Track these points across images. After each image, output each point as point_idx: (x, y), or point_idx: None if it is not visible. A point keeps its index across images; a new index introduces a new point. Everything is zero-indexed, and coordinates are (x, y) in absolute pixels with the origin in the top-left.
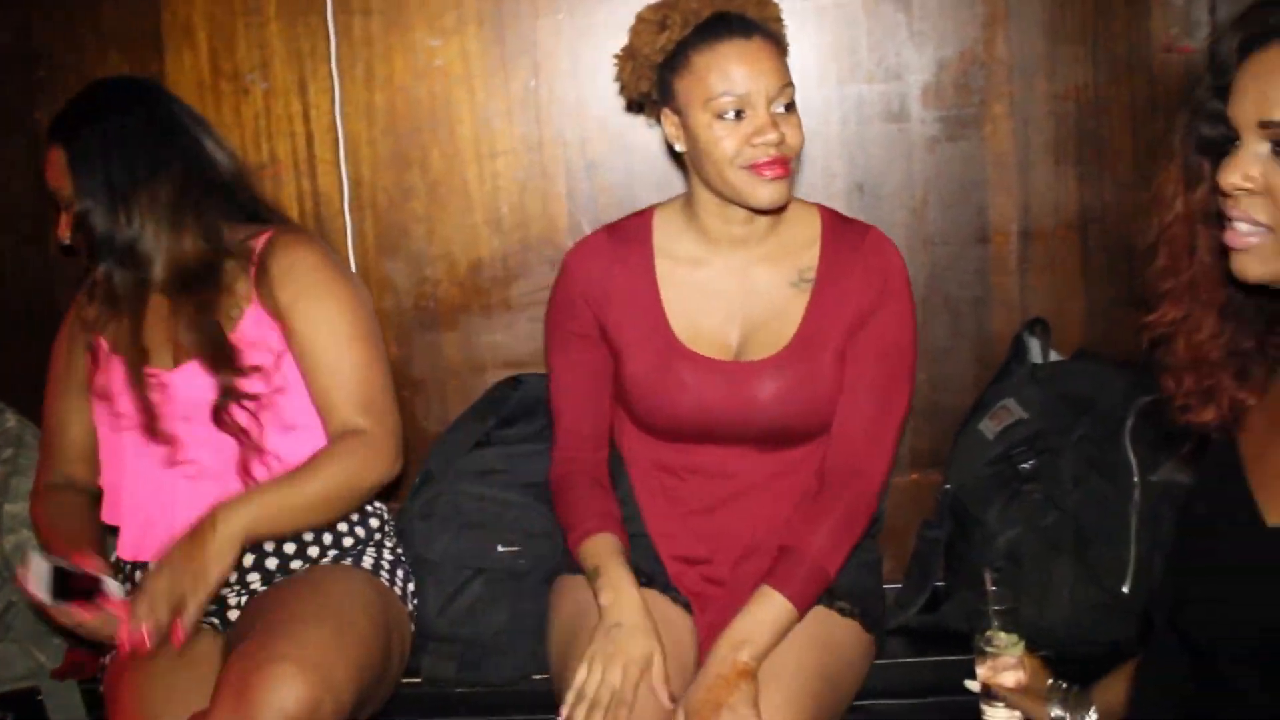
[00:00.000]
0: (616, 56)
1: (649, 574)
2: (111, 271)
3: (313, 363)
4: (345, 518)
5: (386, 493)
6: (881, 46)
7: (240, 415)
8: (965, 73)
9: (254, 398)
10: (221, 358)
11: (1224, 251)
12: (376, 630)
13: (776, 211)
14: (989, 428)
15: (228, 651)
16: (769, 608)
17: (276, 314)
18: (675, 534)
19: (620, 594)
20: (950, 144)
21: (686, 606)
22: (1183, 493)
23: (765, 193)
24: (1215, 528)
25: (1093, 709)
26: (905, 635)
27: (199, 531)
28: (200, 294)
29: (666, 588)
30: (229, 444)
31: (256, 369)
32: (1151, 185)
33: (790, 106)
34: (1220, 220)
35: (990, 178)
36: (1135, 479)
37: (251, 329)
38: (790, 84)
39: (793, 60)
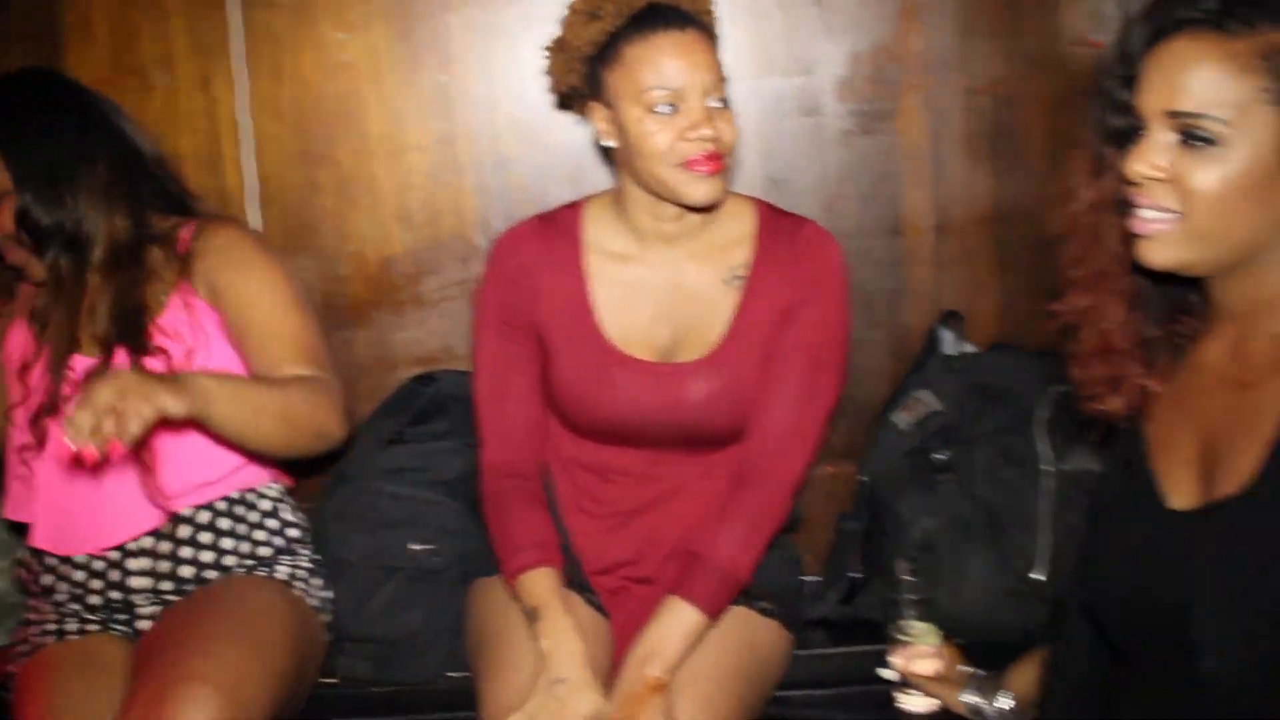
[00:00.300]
0: (546, 48)
1: (567, 574)
2: (58, 259)
3: (258, 331)
4: (261, 526)
5: (299, 495)
6: (795, 40)
7: None
8: (879, 67)
9: None
10: (138, 341)
11: (1131, 240)
12: (291, 646)
13: (710, 209)
14: (903, 419)
15: (137, 661)
16: (677, 618)
17: (213, 298)
18: (599, 535)
19: (562, 644)
20: (864, 137)
21: (600, 608)
22: (1093, 480)
23: (699, 190)
24: (1122, 512)
25: (1006, 693)
26: (823, 626)
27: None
28: (126, 278)
29: (583, 589)
30: None
31: (167, 354)
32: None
33: (724, 102)
34: (1127, 208)
35: (904, 171)
36: (1047, 468)
37: (173, 318)
38: (724, 79)
39: None
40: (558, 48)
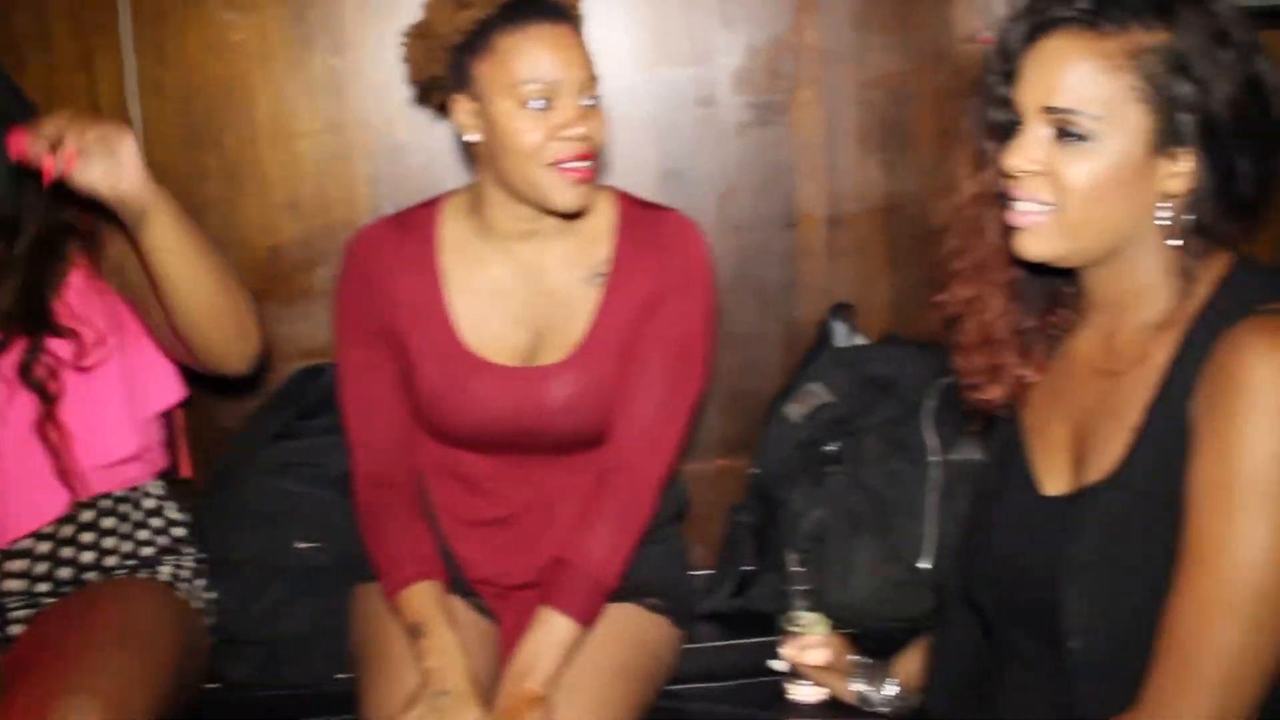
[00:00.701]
0: (405, 35)
1: (450, 579)
2: None
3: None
4: (144, 525)
5: (182, 491)
6: (692, 31)
7: (43, 371)
8: (775, 59)
9: (61, 361)
10: (39, 319)
11: (1010, 232)
12: (174, 651)
13: (576, 216)
14: (795, 411)
15: (6, 671)
16: (549, 630)
17: (122, 285)
18: (476, 543)
19: (446, 659)
20: (759, 129)
21: (486, 611)
22: (977, 469)
23: (567, 197)
24: (1000, 499)
25: (892, 680)
26: (714, 620)
27: None
28: (41, 263)
29: (467, 594)
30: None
31: (77, 336)
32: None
33: (596, 100)
34: (1006, 201)
35: (799, 163)
36: (934, 458)
37: (77, 301)
38: (595, 76)
39: (603, 43)
40: (420, 34)
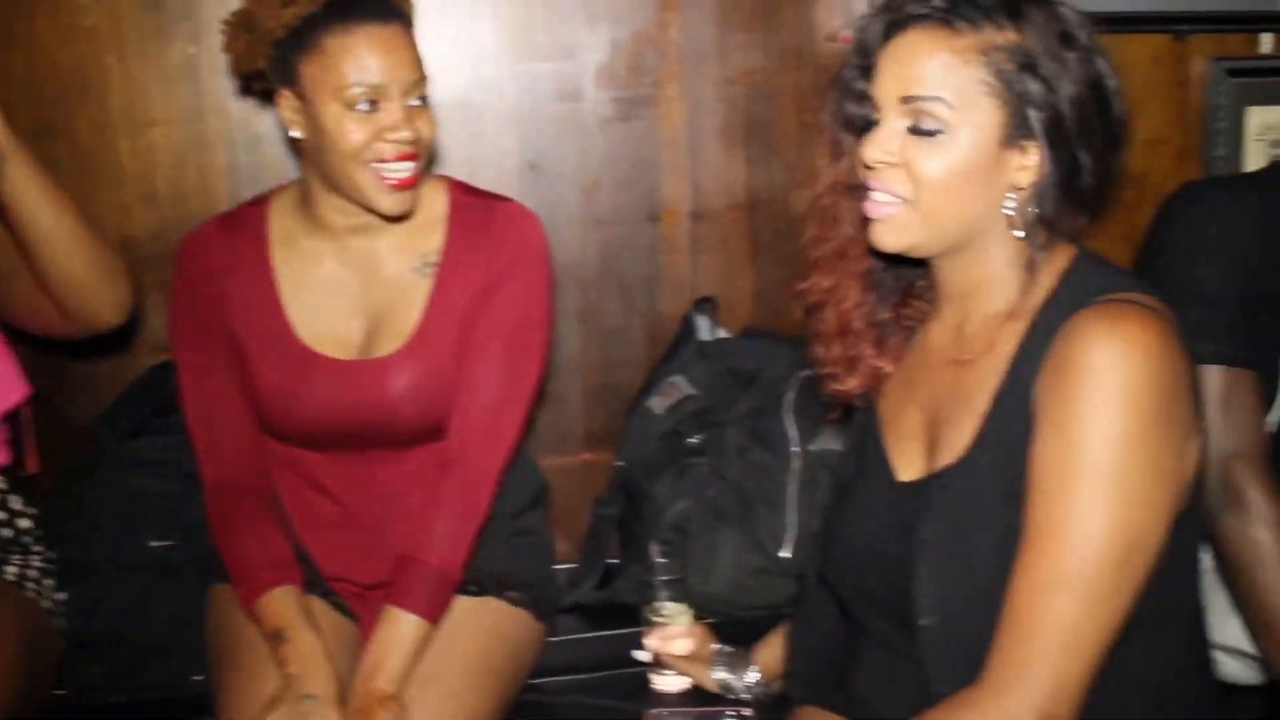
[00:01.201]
0: (226, 23)
1: (308, 581)
2: None
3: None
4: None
5: (31, 489)
6: (556, 25)
7: None
8: (639, 54)
9: None
10: None
11: (866, 223)
12: (22, 656)
13: (400, 219)
14: (658, 404)
15: None
16: (397, 629)
17: None
18: (329, 543)
19: (309, 664)
20: (623, 124)
21: (347, 613)
22: (836, 459)
23: (389, 202)
24: (857, 486)
25: (754, 668)
26: (579, 612)
27: None
28: None
29: (325, 593)
30: None
31: None
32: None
33: (424, 100)
34: (862, 193)
35: (662, 158)
36: (795, 449)
37: None
38: (425, 77)
39: (467, 37)
40: (242, 26)
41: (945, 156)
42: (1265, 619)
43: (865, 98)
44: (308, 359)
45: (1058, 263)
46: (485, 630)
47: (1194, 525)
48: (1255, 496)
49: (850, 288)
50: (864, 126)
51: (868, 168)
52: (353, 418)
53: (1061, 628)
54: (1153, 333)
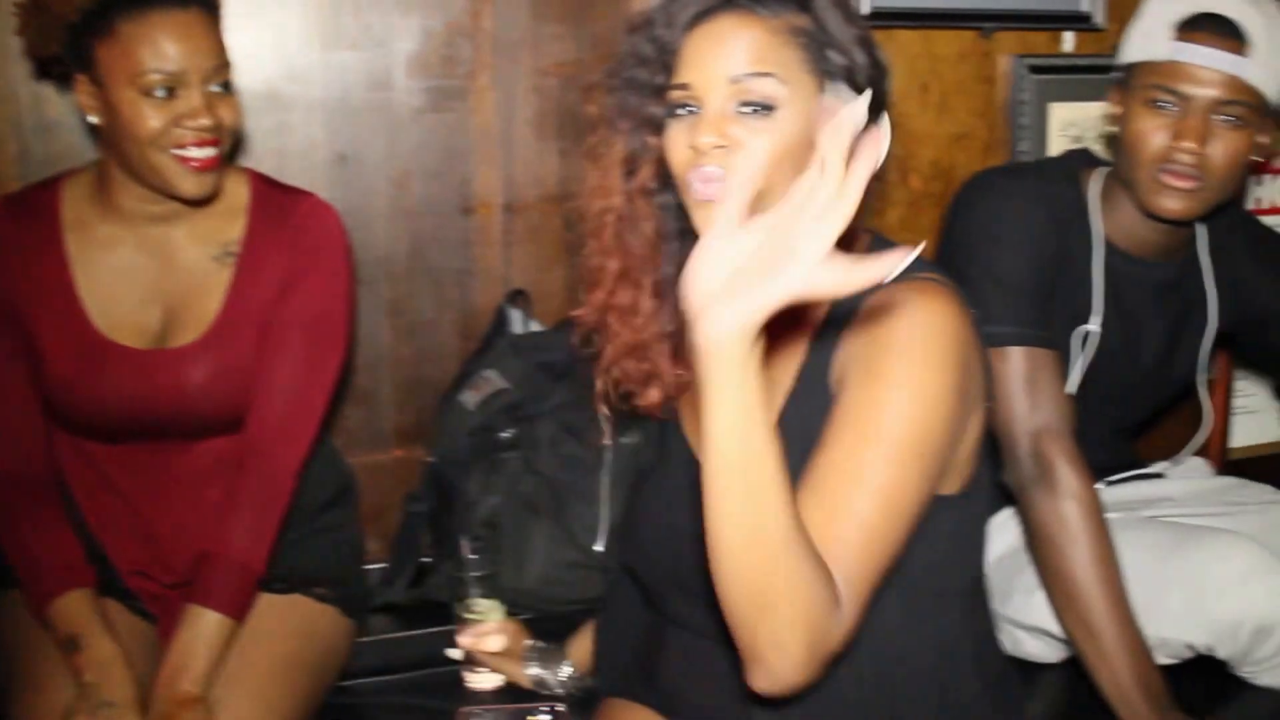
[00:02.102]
0: (17, 5)
1: (104, 582)
2: None
3: None
4: None
5: None
6: (367, 12)
7: None
8: (451, 44)
9: None
10: None
11: (660, 234)
12: None
13: (202, 202)
14: (470, 398)
15: None
16: (199, 628)
17: None
18: (124, 539)
19: (106, 670)
20: (435, 115)
21: (148, 616)
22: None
23: (190, 185)
24: (659, 471)
25: (567, 663)
26: (391, 612)
27: None
28: None
29: (123, 596)
30: None
31: None
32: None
33: (227, 86)
34: (668, 193)
35: (474, 150)
36: (607, 441)
37: None
38: (227, 63)
39: (274, 25)
40: (34, 9)
41: (774, 134)
42: (1070, 591)
43: (662, 93)
44: (101, 347)
45: (855, 246)
46: (292, 629)
47: (983, 502)
48: (1064, 472)
49: (641, 301)
50: (659, 126)
51: (697, 153)
52: (148, 408)
53: (863, 564)
54: (954, 306)
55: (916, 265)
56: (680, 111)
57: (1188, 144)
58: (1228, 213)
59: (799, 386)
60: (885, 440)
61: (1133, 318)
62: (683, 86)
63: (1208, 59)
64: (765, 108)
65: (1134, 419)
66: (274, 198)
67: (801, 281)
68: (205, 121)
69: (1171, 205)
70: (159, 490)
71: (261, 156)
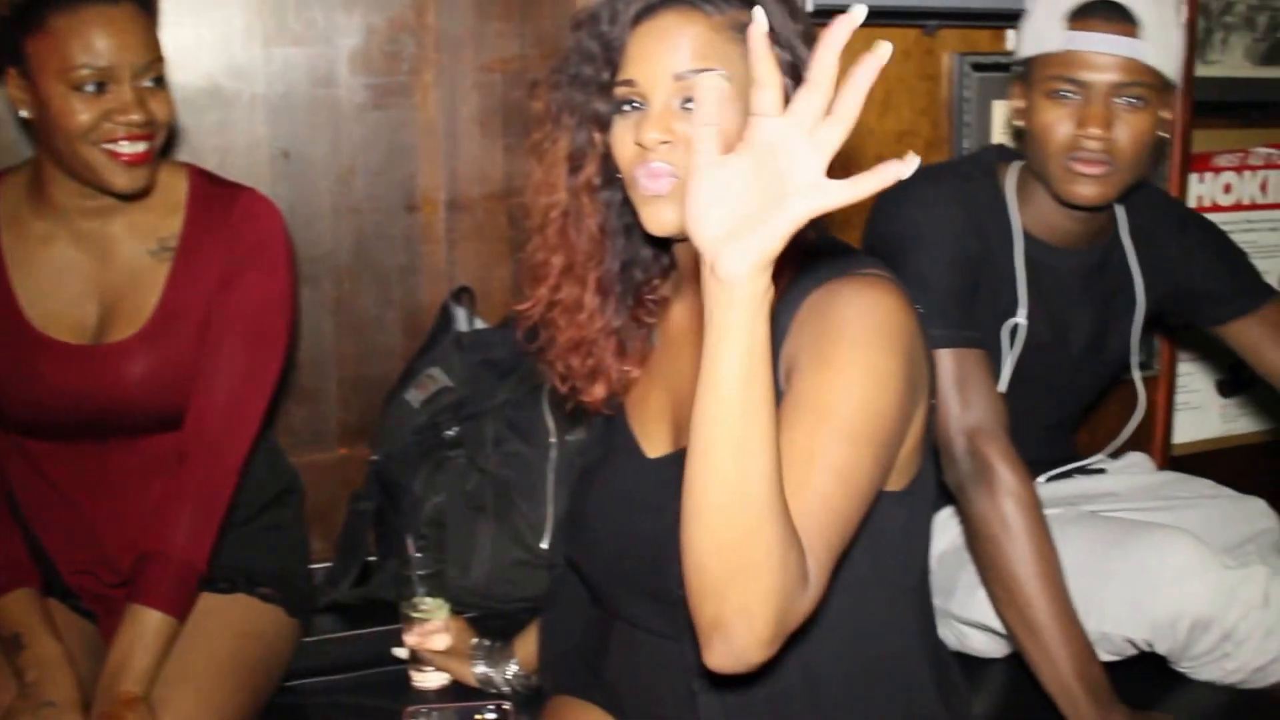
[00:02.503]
0: None
1: (45, 581)
2: None
3: None
4: None
5: None
6: (310, 9)
7: None
8: (396, 39)
9: None
10: None
11: (605, 230)
12: None
13: (135, 197)
14: (415, 396)
15: None
16: (141, 627)
17: None
18: (65, 538)
19: (48, 670)
20: (379, 112)
21: (89, 615)
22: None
23: (121, 179)
24: (604, 468)
25: (514, 661)
26: (337, 611)
27: None
28: None
29: (65, 596)
30: None
31: None
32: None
33: (159, 81)
34: (613, 188)
35: (419, 147)
36: (553, 439)
37: None
38: (160, 58)
39: (217, 20)
40: None
41: (728, 126)
42: (1010, 588)
43: (608, 89)
44: (38, 344)
45: (804, 238)
46: (236, 628)
47: (928, 499)
48: (1001, 470)
49: (586, 296)
50: (605, 123)
51: (642, 149)
52: (85, 405)
53: (827, 542)
54: (900, 300)
55: (861, 262)
56: (626, 108)
57: (1093, 130)
58: (1145, 194)
59: None
60: (841, 421)
61: (1059, 307)
62: (628, 83)
63: (1102, 44)
64: None
65: (1070, 409)
66: (213, 192)
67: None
68: (135, 117)
69: (1085, 192)
70: (100, 489)
71: (204, 153)
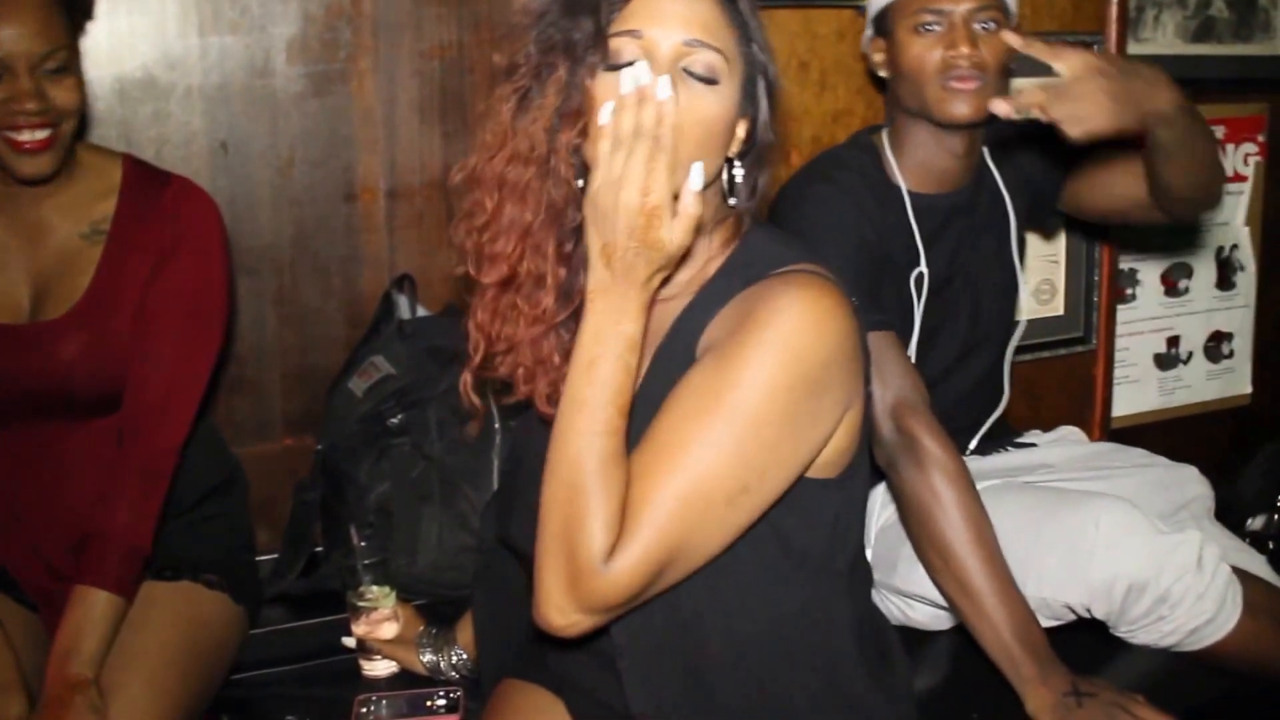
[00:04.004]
0: None
1: None
2: None
3: None
4: None
5: None
6: None
7: None
8: (332, 27)
9: None
10: None
11: (574, 195)
12: None
13: (40, 182)
14: (358, 385)
15: None
16: (89, 608)
17: None
18: (3, 527)
19: None
20: (317, 100)
21: (32, 606)
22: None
23: (26, 166)
24: (531, 446)
25: (456, 647)
26: (284, 602)
27: None
28: None
29: (6, 586)
30: None
31: None
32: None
33: (63, 69)
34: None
35: (357, 135)
36: (497, 425)
37: None
38: (63, 46)
39: (150, 9)
40: None
41: (712, 105)
42: (944, 554)
43: (601, 40)
44: None
45: (737, 229)
46: (183, 616)
47: (862, 485)
48: (926, 442)
49: (548, 268)
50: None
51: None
52: (19, 384)
53: (659, 529)
54: (829, 303)
55: (796, 253)
56: (620, 64)
57: (963, 49)
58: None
59: (654, 365)
60: (723, 419)
61: (954, 248)
62: (633, 34)
63: None
64: (708, 80)
65: (992, 352)
66: (145, 178)
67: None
68: (30, 106)
69: (963, 108)
70: (36, 477)
71: (141, 145)
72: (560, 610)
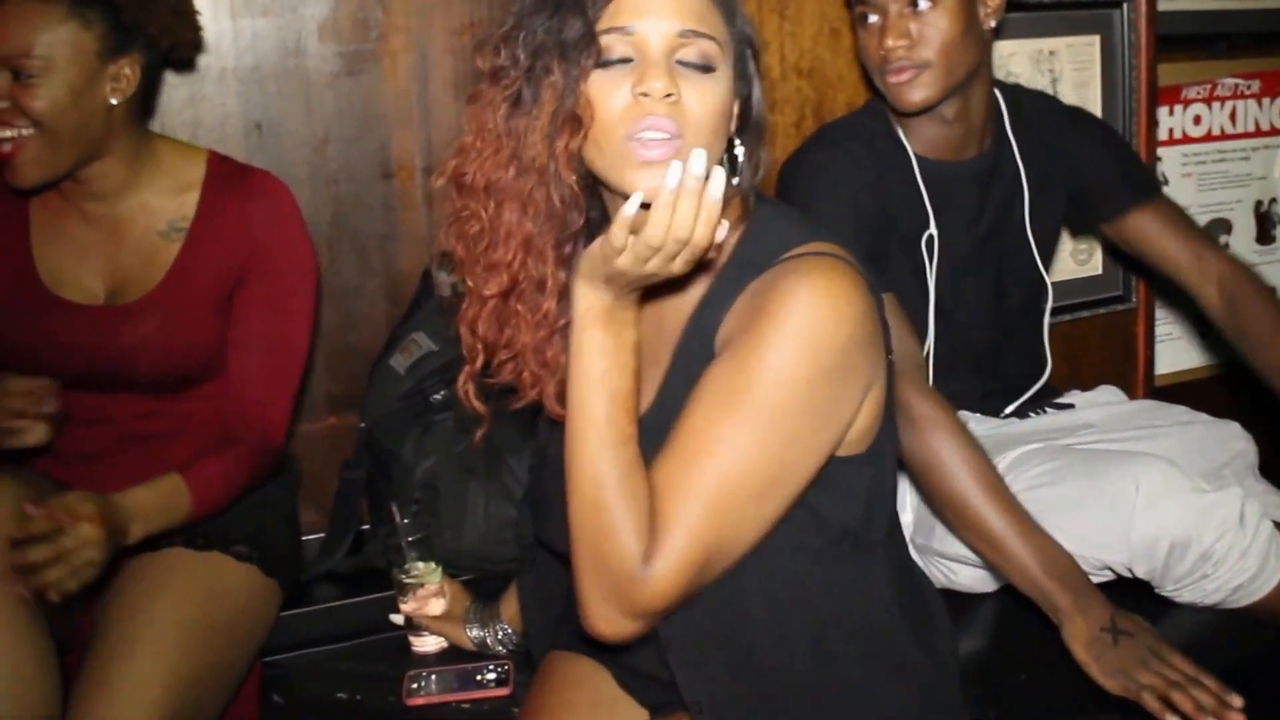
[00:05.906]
0: None
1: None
2: None
3: None
4: None
5: None
6: None
7: None
8: (363, 7)
9: None
10: None
11: (573, 200)
12: None
13: (27, 193)
14: (400, 362)
15: None
16: (162, 486)
17: None
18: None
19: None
20: (350, 79)
21: None
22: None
23: (6, 172)
24: (550, 446)
25: (501, 621)
26: (333, 580)
27: None
28: None
29: None
30: None
31: None
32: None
33: (36, 72)
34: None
35: (391, 113)
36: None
37: None
38: (29, 52)
39: None
40: None
41: (715, 92)
42: (960, 510)
43: (589, 40)
44: (46, 300)
45: (745, 209)
46: (202, 585)
47: (891, 453)
48: (919, 404)
49: (549, 272)
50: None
51: (645, 97)
52: (87, 360)
53: (692, 533)
54: (843, 284)
55: (808, 232)
56: (612, 61)
57: (889, 41)
58: (1033, 98)
59: (676, 362)
60: (745, 417)
61: (965, 215)
62: (623, 30)
63: None
64: (706, 68)
65: (1024, 320)
66: (228, 175)
67: None
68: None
69: (908, 97)
70: (98, 439)
71: (175, 128)
72: (607, 620)
